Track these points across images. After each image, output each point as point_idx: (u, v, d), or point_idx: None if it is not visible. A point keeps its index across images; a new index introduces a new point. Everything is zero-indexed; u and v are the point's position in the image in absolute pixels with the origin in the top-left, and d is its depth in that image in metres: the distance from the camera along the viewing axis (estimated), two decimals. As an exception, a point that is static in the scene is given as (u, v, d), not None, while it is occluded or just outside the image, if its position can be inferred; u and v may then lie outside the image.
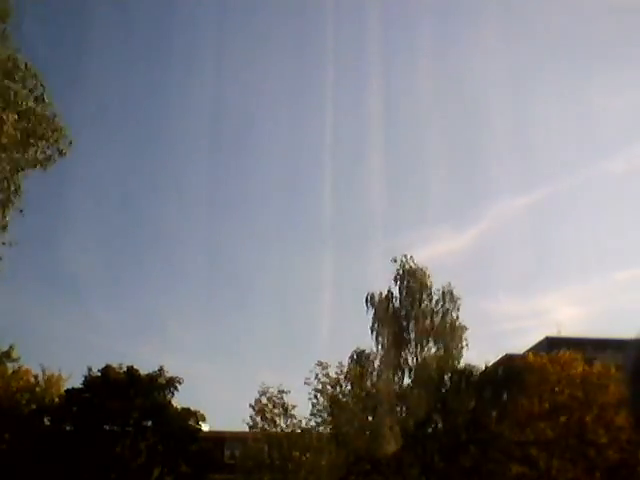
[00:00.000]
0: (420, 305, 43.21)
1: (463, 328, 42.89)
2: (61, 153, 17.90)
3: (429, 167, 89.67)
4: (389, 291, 43.66)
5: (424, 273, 44.02)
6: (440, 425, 38.65)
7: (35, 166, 17.65)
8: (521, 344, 73.31)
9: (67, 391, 42.17)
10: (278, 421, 39.17)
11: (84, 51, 68.73)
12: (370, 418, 39.94)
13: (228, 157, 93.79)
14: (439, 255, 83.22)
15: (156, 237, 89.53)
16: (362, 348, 42.22)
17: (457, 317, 43.26)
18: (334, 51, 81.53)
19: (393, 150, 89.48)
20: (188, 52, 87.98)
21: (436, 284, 44.10)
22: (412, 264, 44.13)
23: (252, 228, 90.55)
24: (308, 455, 38.49)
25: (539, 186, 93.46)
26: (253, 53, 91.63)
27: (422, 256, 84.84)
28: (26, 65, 17.00)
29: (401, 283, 43.77)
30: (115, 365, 42.17)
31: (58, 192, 59.85)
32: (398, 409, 41.12)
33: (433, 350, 42.61)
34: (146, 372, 42.36)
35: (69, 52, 68.57)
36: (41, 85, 17.30)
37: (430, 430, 38.95)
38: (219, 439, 47.29)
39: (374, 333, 43.08)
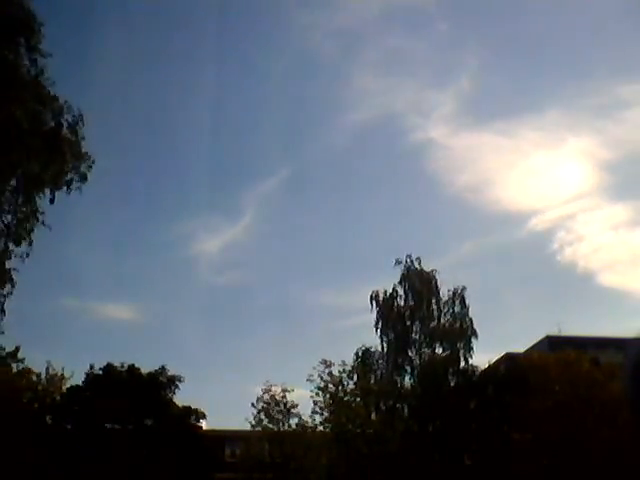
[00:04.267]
0: (429, 307, 43.40)
1: (473, 331, 43.04)
2: (83, 178, 18.05)
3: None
4: (394, 290, 43.91)
5: (431, 275, 44.40)
6: (442, 424, 38.60)
7: (55, 186, 17.74)
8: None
9: (69, 390, 42.13)
10: (280, 419, 39.22)
11: (86, 50, 68.88)
12: (372, 416, 39.98)
13: (230, 156, 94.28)
14: (223, 246, 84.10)
15: (158, 236, 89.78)
16: (367, 346, 42.49)
17: (468, 320, 43.46)
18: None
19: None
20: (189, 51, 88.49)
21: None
22: (418, 265, 44.68)
23: (252, 226, 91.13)
24: (309, 453, 38.49)
25: (283, 166, 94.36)
26: (253, 53, 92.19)
27: (211, 247, 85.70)
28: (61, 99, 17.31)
29: (406, 283, 43.98)
30: (117, 364, 42.22)
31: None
32: (399, 407, 41.23)
33: (439, 351, 42.78)
34: (147, 371, 42.40)
35: (72, 51, 68.63)
36: (70, 112, 17.53)
37: (432, 429, 38.94)
38: (220, 437, 47.26)
39: (378, 331, 43.37)
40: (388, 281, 44.69)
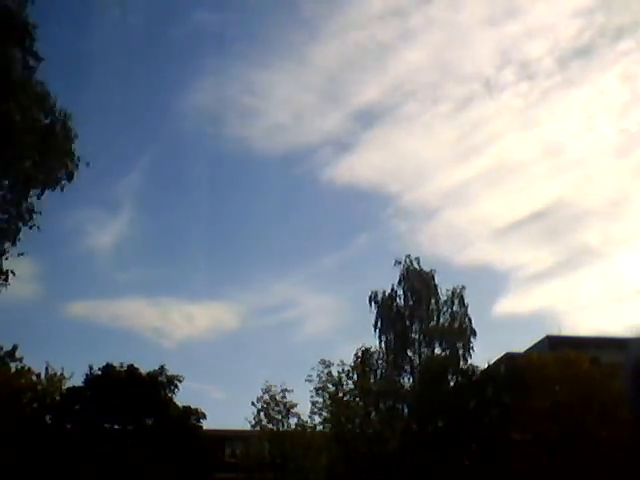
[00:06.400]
0: (429, 307, 43.65)
1: (472, 331, 43.31)
2: (70, 177, 18.02)
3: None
4: (393, 290, 44.15)
5: (430, 275, 44.68)
6: (442, 424, 38.63)
7: (47, 185, 17.75)
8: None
9: (68, 390, 42.13)
10: (280, 419, 39.28)
11: (85, 49, 68.85)
12: (372, 416, 40.00)
13: (229, 153, 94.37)
14: (115, 241, 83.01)
15: (158, 235, 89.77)
16: (367, 346, 42.61)
17: (467, 320, 43.77)
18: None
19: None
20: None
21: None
22: (417, 265, 44.97)
23: (252, 224, 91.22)
24: (309, 453, 38.53)
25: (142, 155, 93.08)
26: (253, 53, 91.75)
27: (103, 242, 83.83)
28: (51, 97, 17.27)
29: (405, 284, 44.22)
30: (116, 364, 42.21)
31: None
32: (399, 407, 41.26)
33: (438, 350, 43.01)
34: (147, 370, 42.40)
35: (70, 50, 68.65)
36: (60, 111, 17.53)
37: (431, 429, 38.94)
38: (220, 437, 47.31)
39: (377, 331, 43.56)
40: (387, 281, 45.04)
